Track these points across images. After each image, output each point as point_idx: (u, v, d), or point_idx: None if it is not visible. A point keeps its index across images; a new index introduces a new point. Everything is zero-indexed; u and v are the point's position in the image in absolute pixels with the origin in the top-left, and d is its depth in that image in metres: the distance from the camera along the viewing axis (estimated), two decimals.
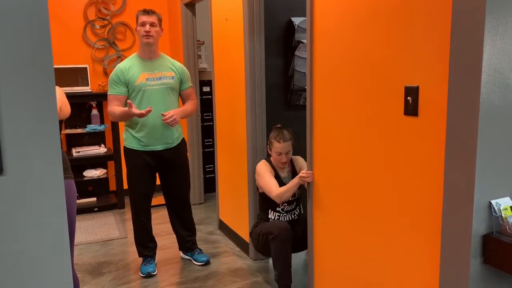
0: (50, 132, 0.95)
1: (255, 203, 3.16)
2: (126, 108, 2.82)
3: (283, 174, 2.87)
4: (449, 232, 1.48)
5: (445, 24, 1.46)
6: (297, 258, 2.98)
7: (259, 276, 3.04)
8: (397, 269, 1.80)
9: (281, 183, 2.82)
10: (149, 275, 3.05)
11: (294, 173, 2.88)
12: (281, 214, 2.82)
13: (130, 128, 3.01)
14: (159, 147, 3.01)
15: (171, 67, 3.06)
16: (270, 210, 2.84)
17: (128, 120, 2.97)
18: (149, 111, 2.77)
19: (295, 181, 2.55)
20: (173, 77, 3.03)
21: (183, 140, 3.17)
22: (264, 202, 2.88)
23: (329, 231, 2.30)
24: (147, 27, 2.92)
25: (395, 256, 1.81)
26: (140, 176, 3.04)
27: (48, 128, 0.94)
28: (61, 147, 2.14)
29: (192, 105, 3.15)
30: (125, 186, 4.68)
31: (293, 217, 2.86)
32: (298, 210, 2.92)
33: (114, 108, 2.92)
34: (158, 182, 3.18)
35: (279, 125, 2.88)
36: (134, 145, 3.00)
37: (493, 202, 1.41)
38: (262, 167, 2.84)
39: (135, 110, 2.77)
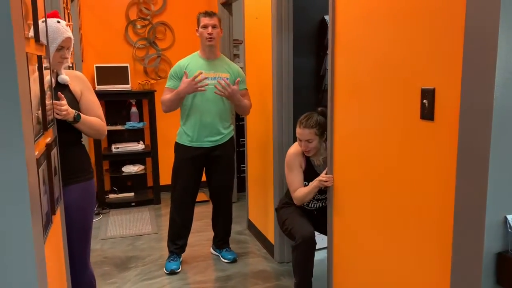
0: (8, 119, 0.97)
1: None
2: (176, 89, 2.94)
3: (317, 161, 2.66)
4: (459, 250, 1.35)
5: (461, 23, 1.34)
6: (316, 263, 2.89)
7: (282, 280, 2.99)
8: (409, 282, 1.68)
9: (314, 172, 2.61)
10: (172, 272, 3.08)
11: None
12: (311, 202, 2.68)
13: (183, 125, 3.09)
14: (206, 144, 3.05)
15: (227, 69, 3.09)
16: None
17: (183, 115, 3.05)
18: (196, 77, 2.84)
19: (314, 184, 2.45)
20: (227, 78, 3.05)
21: (231, 138, 3.19)
22: None
23: (347, 237, 2.20)
24: (210, 29, 2.96)
25: (408, 268, 1.69)
26: (183, 170, 3.09)
27: (7, 114, 0.97)
28: (84, 148, 2.18)
29: (247, 102, 3.12)
30: (163, 182, 4.80)
31: (322, 204, 2.70)
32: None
33: (167, 95, 3.01)
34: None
35: (320, 108, 2.66)
36: (183, 141, 3.08)
37: (509, 217, 1.27)
38: (291, 157, 2.65)
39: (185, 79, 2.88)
